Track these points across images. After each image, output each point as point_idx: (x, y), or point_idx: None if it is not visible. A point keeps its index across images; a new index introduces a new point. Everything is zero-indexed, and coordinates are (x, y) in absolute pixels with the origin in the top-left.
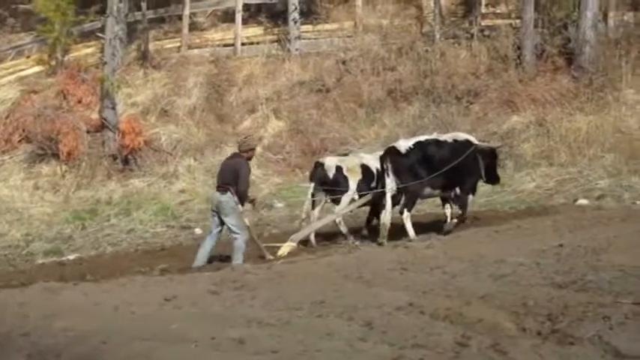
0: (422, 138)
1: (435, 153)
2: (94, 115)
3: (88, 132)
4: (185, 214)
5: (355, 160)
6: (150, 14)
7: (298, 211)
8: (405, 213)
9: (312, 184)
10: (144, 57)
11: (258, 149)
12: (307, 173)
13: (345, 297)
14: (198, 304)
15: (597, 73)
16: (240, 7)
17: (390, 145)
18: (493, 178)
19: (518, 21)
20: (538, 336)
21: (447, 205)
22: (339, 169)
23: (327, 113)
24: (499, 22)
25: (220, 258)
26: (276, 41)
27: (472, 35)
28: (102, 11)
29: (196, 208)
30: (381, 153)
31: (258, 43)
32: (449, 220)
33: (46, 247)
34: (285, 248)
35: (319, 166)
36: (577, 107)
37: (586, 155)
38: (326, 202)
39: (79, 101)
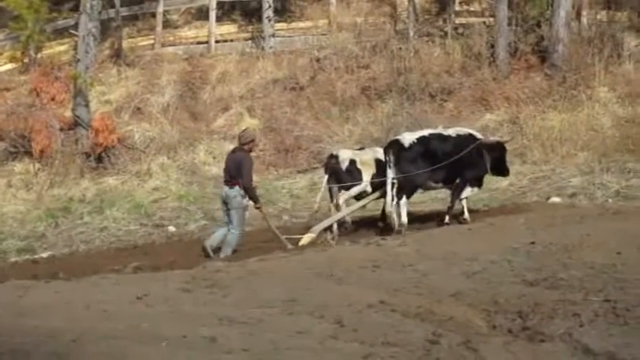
0: (425, 132)
1: (437, 147)
2: (67, 113)
3: (61, 130)
4: (158, 212)
5: (370, 154)
6: (123, 11)
7: (272, 208)
8: (403, 199)
9: (326, 177)
10: (117, 55)
11: (232, 147)
12: (281, 171)
13: (316, 295)
14: (169, 303)
15: (570, 72)
16: (214, 4)
17: (394, 138)
18: (502, 171)
19: (491, 19)
20: (509, 333)
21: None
22: (352, 161)
23: (301, 111)
24: (473, 20)
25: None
26: (250, 39)
27: (446, 33)
28: (75, 8)
29: (170, 206)
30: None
31: (232, 40)
32: (465, 209)
33: (18, 245)
34: (305, 239)
35: (333, 158)
36: (550, 105)
37: (559, 153)
38: (339, 193)
39: (52, 99)
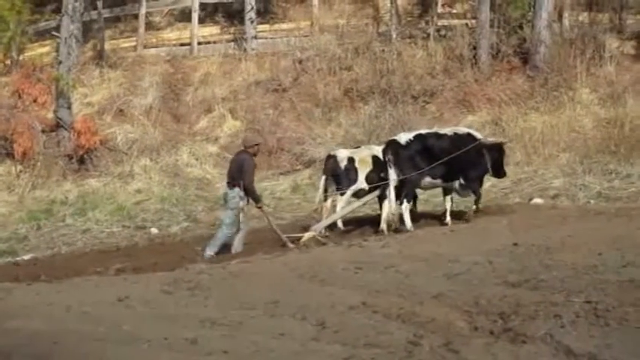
0: (422, 131)
1: (434, 145)
2: (50, 115)
3: (43, 132)
4: (141, 214)
5: (366, 152)
6: (106, 13)
7: (255, 210)
8: (405, 204)
9: (324, 177)
10: (100, 56)
11: (215, 149)
12: (264, 172)
13: (298, 297)
14: (151, 305)
15: (552, 73)
16: (196, 6)
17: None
18: (500, 172)
19: (473, 21)
20: (490, 335)
21: (448, 198)
22: (350, 160)
23: (284, 113)
24: (455, 22)
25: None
26: (233, 41)
27: (428, 35)
28: (57, 10)
29: (152, 208)
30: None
31: (214, 42)
32: (447, 214)
33: (0, 248)
34: (307, 237)
35: (331, 158)
36: (532, 107)
37: (541, 155)
38: (339, 193)
39: (34, 100)
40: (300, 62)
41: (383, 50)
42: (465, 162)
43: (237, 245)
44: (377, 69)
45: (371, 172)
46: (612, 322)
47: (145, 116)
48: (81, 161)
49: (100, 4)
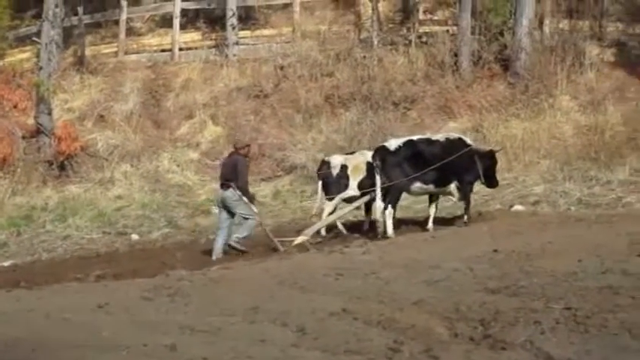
0: (413, 137)
1: (424, 150)
2: (30, 121)
3: (23, 137)
4: (121, 220)
5: (360, 158)
6: (86, 19)
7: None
8: (389, 210)
9: (320, 182)
10: (80, 62)
11: (196, 155)
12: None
13: (279, 303)
14: (130, 311)
15: (533, 80)
16: (177, 12)
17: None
18: (492, 181)
19: (455, 28)
20: (470, 341)
21: (433, 205)
22: (343, 167)
23: (265, 119)
24: (436, 28)
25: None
26: (214, 47)
27: (410, 42)
28: (38, 16)
29: (133, 214)
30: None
31: (195, 48)
32: (430, 220)
33: None
34: (299, 240)
35: (325, 164)
36: (513, 113)
37: (522, 161)
38: (327, 198)
39: (15, 106)
40: (282, 68)
41: (364, 57)
42: (456, 167)
43: (215, 253)
44: (358, 75)
45: (365, 178)
46: (592, 328)
47: (126, 122)
48: (61, 167)
49: (80, 9)
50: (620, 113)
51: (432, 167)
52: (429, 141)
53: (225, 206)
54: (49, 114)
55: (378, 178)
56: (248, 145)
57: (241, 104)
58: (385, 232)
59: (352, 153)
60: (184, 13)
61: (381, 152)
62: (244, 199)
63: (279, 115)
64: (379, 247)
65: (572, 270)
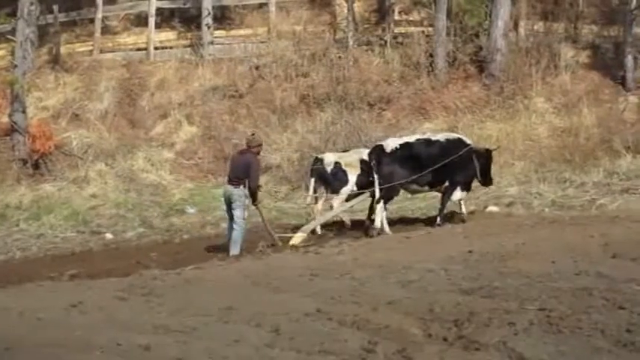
0: (412, 138)
1: (421, 152)
2: (4, 119)
3: None
4: (96, 219)
5: (354, 155)
6: (62, 17)
7: (210, 217)
8: (380, 205)
9: (312, 180)
10: (55, 60)
11: (171, 155)
12: (220, 178)
13: (253, 303)
14: (105, 310)
15: (508, 82)
16: (153, 11)
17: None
18: (487, 179)
19: (430, 29)
20: (444, 342)
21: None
22: (337, 164)
23: (240, 119)
24: (412, 29)
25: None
26: (190, 46)
27: (385, 42)
28: (13, 14)
29: (107, 213)
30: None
31: (171, 47)
32: (463, 209)
33: None
34: (296, 238)
35: (318, 161)
36: (488, 115)
37: (496, 163)
38: (326, 196)
39: None
40: (257, 68)
41: (340, 57)
42: (454, 168)
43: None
44: (333, 76)
45: (359, 176)
46: (565, 329)
47: (101, 121)
48: (36, 166)
49: (56, 7)
50: (595, 115)
51: (430, 170)
52: (428, 142)
53: (229, 202)
54: (24, 112)
55: (375, 177)
56: (261, 145)
57: (216, 104)
58: (381, 229)
59: (346, 151)
60: (160, 12)
61: (376, 152)
62: (247, 202)
63: (254, 115)
64: (354, 247)
65: (546, 271)
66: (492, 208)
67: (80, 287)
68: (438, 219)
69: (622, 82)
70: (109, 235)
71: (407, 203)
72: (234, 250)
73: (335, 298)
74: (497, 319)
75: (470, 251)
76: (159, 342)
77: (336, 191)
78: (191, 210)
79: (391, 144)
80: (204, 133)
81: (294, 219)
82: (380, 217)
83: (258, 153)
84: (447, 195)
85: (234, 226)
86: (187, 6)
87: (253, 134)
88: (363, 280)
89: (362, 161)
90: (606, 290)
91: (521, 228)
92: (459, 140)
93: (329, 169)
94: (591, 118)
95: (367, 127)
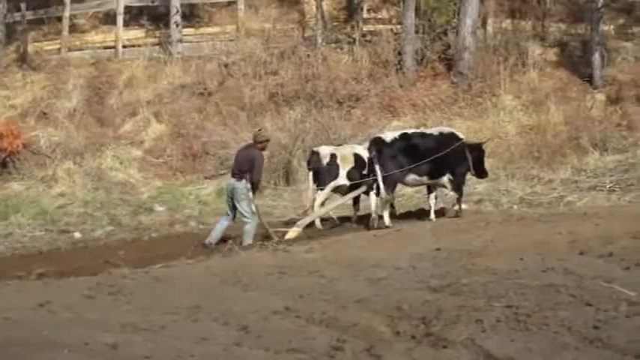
0: (408, 131)
1: (418, 143)
2: None
3: None
4: (64, 218)
5: (348, 149)
6: (29, 15)
7: (179, 215)
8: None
9: (311, 173)
10: (23, 59)
11: (140, 153)
12: (189, 176)
13: (221, 301)
14: (72, 309)
15: (476, 79)
16: (121, 9)
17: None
18: (481, 172)
19: (399, 27)
20: (412, 339)
21: (432, 196)
22: (333, 156)
23: (209, 117)
24: (380, 27)
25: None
26: (158, 44)
27: (354, 40)
28: None
29: (75, 212)
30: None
31: (139, 45)
32: (432, 210)
33: None
34: (291, 233)
35: (314, 155)
36: (456, 112)
37: None
38: (320, 189)
39: None
40: (226, 66)
41: (308, 55)
42: (449, 161)
43: (212, 237)
44: (302, 74)
45: (352, 169)
46: (533, 326)
47: (69, 119)
48: (3, 164)
49: (23, 5)
50: (563, 113)
51: (427, 160)
52: (423, 135)
53: (232, 196)
54: None
55: (377, 168)
56: (267, 140)
57: (185, 102)
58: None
59: (339, 145)
60: (128, 10)
61: (377, 143)
62: (250, 195)
63: (223, 113)
64: (323, 245)
65: (513, 268)
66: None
67: (48, 286)
68: (457, 207)
69: (589, 79)
70: (77, 234)
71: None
72: (248, 240)
73: (303, 296)
74: (465, 317)
75: (438, 249)
76: (126, 340)
77: (324, 184)
78: (160, 208)
79: (390, 135)
80: (173, 131)
81: (263, 217)
82: (374, 207)
83: (263, 149)
84: (456, 186)
85: (243, 219)
86: (156, 4)
87: (260, 130)
88: (332, 278)
89: (355, 155)
90: (573, 287)
91: (490, 225)
92: (452, 134)
93: (324, 161)
94: (559, 115)
95: (336, 125)
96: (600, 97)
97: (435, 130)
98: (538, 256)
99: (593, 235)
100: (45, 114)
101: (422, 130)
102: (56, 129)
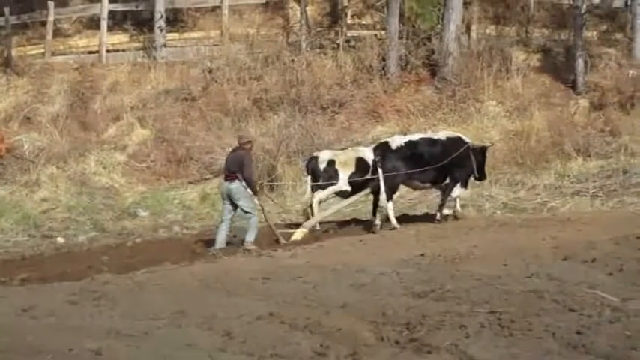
0: (415, 136)
1: (424, 150)
2: None
3: None
4: (47, 223)
5: (350, 154)
6: (13, 20)
7: (163, 220)
8: (389, 203)
9: (309, 177)
10: (7, 63)
11: (123, 158)
12: (172, 182)
13: (205, 307)
14: (56, 315)
15: (460, 85)
16: (105, 14)
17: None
18: (482, 175)
19: (383, 32)
20: (396, 345)
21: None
22: (331, 162)
23: (193, 122)
24: (365, 33)
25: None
26: (142, 49)
27: (338, 46)
28: None
29: (59, 217)
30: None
31: (123, 50)
32: (458, 207)
33: None
34: (297, 234)
35: (313, 159)
36: (440, 118)
37: None
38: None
39: None
40: (210, 71)
41: (292, 60)
42: (454, 165)
43: (218, 244)
44: (286, 79)
45: (354, 174)
46: (516, 332)
47: (53, 124)
48: None
49: (7, 10)
50: (546, 119)
51: (432, 167)
52: (430, 141)
53: (229, 198)
54: None
55: (381, 173)
56: (250, 142)
57: (169, 107)
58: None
59: (344, 149)
60: (112, 14)
61: (382, 149)
62: (249, 191)
63: (207, 118)
64: (307, 250)
65: (497, 274)
66: (445, 211)
67: (31, 292)
68: (438, 215)
69: (572, 85)
70: (60, 239)
71: (360, 206)
72: (250, 237)
73: (287, 302)
74: (448, 322)
75: (422, 254)
76: (110, 346)
77: (322, 188)
78: (143, 213)
79: (397, 140)
80: (156, 136)
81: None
82: (377, 211)
83: (250, 150)
84: (447, 191)
85: (247, 215)
86: (140, 9)
87: (242, 133)
88: (316, 283)
89: (359, 160)
90: (557, 293)
91: (473, 231)
92: (459, 139)
93: (322, 166)
94: (542, 121)
95: (320, 131)
96: (583, 102)
97: (441, 135)
98: (522, 262)
99: (577, 240)
100: (29, 119)
101: (429, 135)
102: (40, 134)
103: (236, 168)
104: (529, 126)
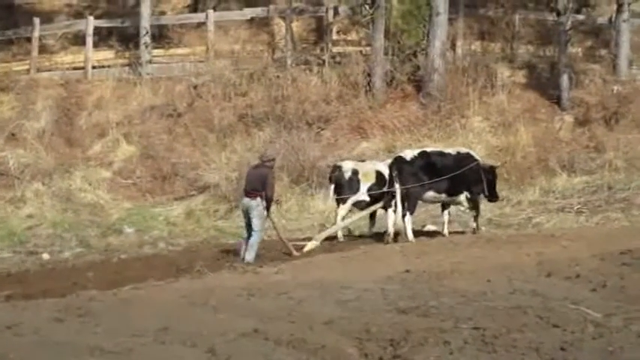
0: (427, 149)
1: (437, 162)
2: None
3: None
4: (32, 240)
5: (370, 165)
6: None
7: (148, 236)
8: (407, 216)
9: (332, 187)
10: None
11: (109, 174)
12: (158, 198)
13: (189, 323)
14: (40, 332)
15: (445, 101)
16: (90, 30)
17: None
18: (493, 195)
19: (368, 48)
20: None
21: (445, 212)
22: (355, 171)
23: (178, 138)
24: (350, 49)
25: None
26: (128, 65)
27: (323, 62)
28: None
29: (44, 234)
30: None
31: (109, 66)
32: (446, 226)
33: None
34: (309, 246)
35: (337, 169)
36: (425, 134)
37: None
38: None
39: None
40: (195, 87)
41: (278, 76)
42: (466, 180)
43: (248, 256)
44: (272, 95)
45: (373, 185)
46: (500, 348)
47: (38, 140)
48: None
49: None
50: (531, 134)
51: (444, 177)
52: (441, 154)
53: (247, 214)
54: None
55: (397, 186)
56: (274, 159)
57: (155, 123)
58: (403, 236)
59: (362, 161)
60: (97, 31)
61: (398, 162)
62: (264, 212)
63: (192, 134)
64: (292, 266)
65: (481, 290)
66: (430, 227)
67: (16, 308)
68: (476, 225)
69: (557, 101)
70: (45, 256)
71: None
72: (250, 256)
73: (272, 318)
74: (432, 338)
75: (407, 270)
76: None
77: (344, 197)
78: (129, 230)
79: (409, 153)
80: (142, 153)
81: (232, 238)
82: (391, 223)
83: (272, 167)
84: (473, 204)
85: (252, 233)
86: (125, 25)
87: (267, 149)
88: (301, 300)
89: (377, 172)
90: (540, 309)
91: (458, 247)
92: (469, 154)
93: (347, 175)
94: (527, 137)
95: (306, 147)
96: (568, 118)
97: (452, 150)
98: (506, 278)
99: (561, 256)
100: (14, 135)
101: (440, 149)
102: (25, 150)
103: (259, 186)
104: (514, 142)
